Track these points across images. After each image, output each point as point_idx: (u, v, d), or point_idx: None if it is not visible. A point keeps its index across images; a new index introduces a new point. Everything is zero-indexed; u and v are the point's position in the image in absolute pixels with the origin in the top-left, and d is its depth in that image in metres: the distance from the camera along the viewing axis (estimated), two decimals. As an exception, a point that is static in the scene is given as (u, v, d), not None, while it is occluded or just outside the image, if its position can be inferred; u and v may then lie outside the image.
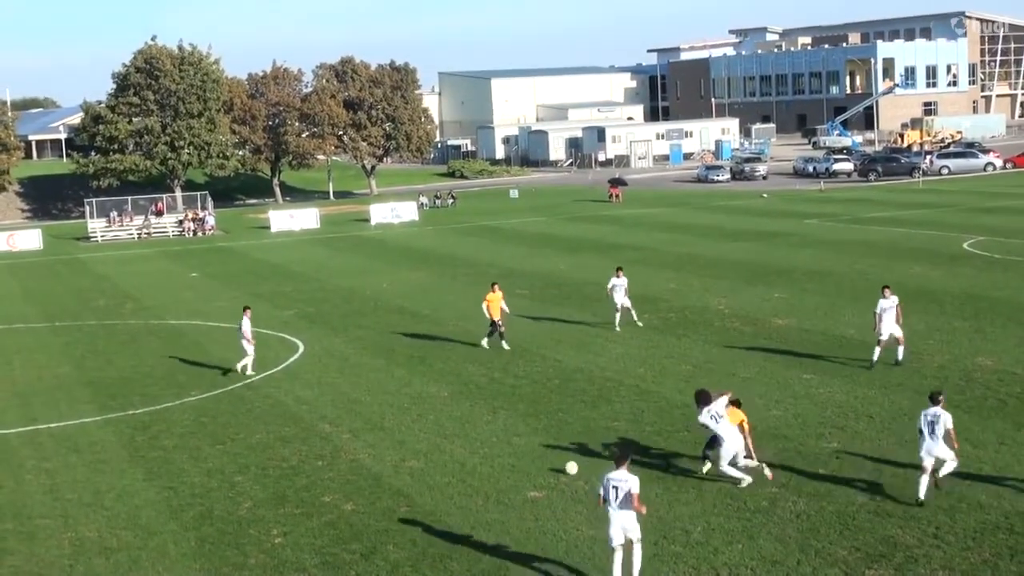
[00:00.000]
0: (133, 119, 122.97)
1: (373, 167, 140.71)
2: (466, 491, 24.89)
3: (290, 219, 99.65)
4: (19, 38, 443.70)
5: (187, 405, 34.22)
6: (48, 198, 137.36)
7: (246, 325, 37.87)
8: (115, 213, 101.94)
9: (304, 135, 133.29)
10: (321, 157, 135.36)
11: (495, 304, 39.90)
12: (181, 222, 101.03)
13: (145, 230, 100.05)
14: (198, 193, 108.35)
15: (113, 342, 46.06)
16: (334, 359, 39.99)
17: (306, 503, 24.73)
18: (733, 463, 23.90)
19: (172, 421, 32.43)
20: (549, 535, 22.08)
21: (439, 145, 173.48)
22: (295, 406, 33.48)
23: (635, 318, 42.30)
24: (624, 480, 19.22)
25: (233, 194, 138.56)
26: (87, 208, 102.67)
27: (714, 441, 24.44)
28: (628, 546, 19.34)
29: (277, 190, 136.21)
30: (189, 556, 22.15)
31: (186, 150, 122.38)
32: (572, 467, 25.45)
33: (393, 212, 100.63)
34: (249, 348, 37.85)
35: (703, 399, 24.02)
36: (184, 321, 49.92)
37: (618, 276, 42.11)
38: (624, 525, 19.21)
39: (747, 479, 23.90)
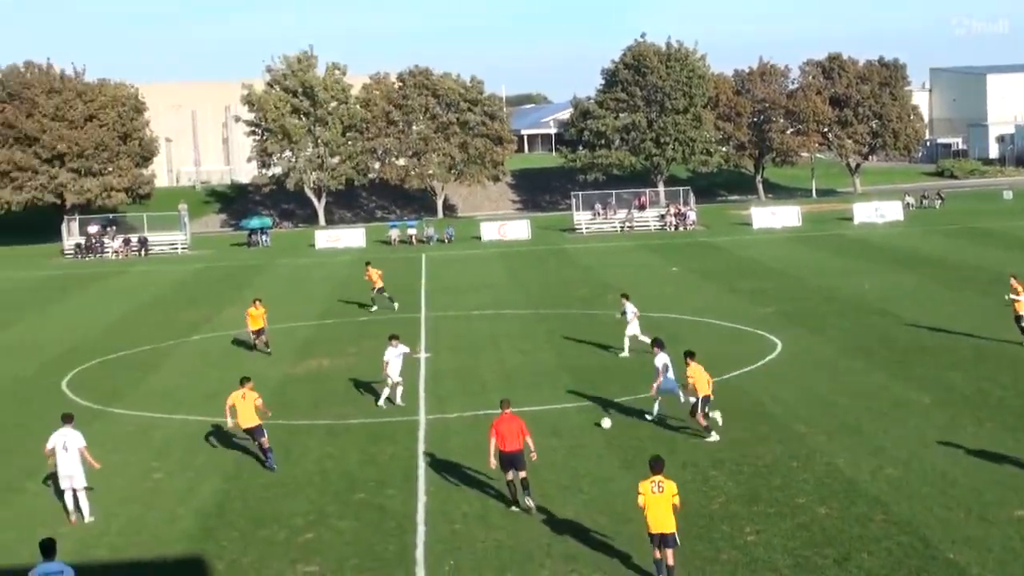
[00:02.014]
0: (620, 115, 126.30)
1: (858, 165, 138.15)
2: (947, 503, 23.88)
3: (772, 216, 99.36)
4: (515, 36, 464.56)
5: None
6: (536, 190, 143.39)
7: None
8: (599, 206, 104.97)
9: (788, 132, 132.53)
10: (805, 154, 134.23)
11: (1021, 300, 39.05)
12: (663, 216, 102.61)
13: (628, 223, 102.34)
14: (680, 188, 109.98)
15: (594, 331, 47.23)
16: (812, 358, 39.43)
17: (779, 503, 24.48)
18: None
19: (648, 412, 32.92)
20: (1036, 557, 20.85)
21: (927, 143, 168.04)
22: (771, 404, 33.23)
23: None
24: None
25: (715, 190, 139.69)
26: (573, 201, 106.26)
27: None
28: None
29: (760, 187, 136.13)
30: (660, 546, 22.38)
31: (671, 146, 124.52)
32: (607, 422, 30.39)
33: (877, 212, 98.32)
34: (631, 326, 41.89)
35: None
36: (663, 315, 50.44)
37: None
38: None
39: None
